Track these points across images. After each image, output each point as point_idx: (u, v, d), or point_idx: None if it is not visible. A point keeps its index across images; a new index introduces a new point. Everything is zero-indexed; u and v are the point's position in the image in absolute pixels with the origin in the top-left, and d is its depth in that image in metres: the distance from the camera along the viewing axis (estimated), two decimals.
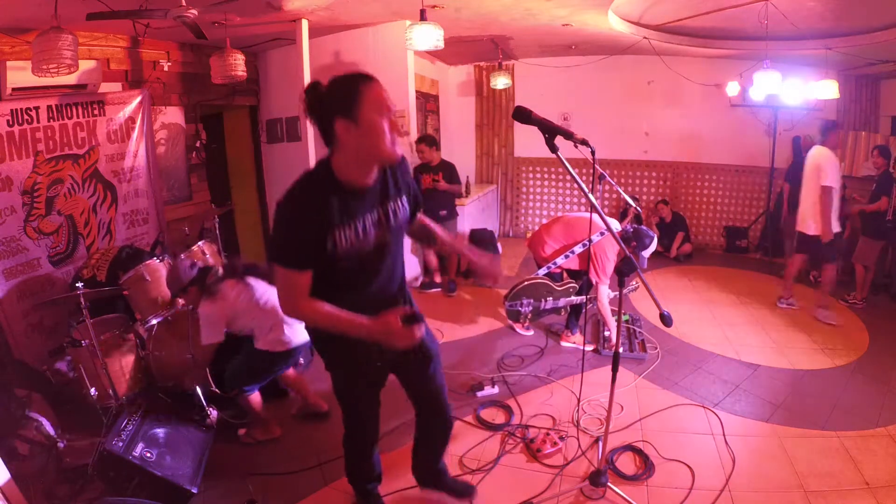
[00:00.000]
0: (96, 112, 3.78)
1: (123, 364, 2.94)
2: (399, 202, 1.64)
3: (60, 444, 2.45)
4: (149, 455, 2.20)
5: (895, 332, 3.90)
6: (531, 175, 7.29)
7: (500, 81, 6.10)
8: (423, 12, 3.52)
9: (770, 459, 2.43)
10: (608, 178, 3.57)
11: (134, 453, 2.16)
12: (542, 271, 3.65)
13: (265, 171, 5.80)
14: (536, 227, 6.53)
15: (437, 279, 5.07)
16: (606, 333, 3.67)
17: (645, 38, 4.93)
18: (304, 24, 4.12)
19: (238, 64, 3.88)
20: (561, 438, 2.60)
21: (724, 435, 2.61)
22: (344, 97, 1.40)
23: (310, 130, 4.43)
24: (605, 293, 3.47)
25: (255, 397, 2.61)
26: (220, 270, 2.63)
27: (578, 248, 3.52)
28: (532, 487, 2.28)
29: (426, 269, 5.12)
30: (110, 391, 2.77)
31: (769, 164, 6.24)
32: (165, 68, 4.41)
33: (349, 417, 1.92)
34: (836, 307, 4.30)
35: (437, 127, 6.67)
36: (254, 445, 2.67)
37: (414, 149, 4.79)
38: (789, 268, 4.50)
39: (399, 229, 1.67)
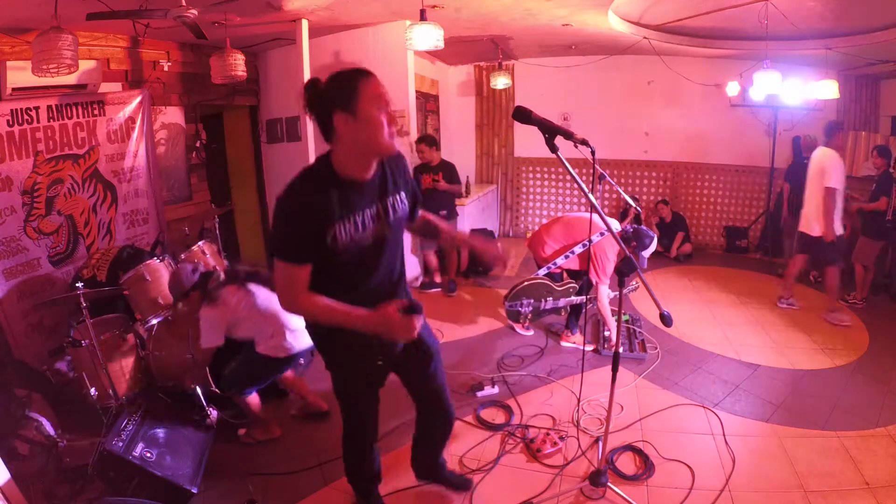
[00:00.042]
0: (96, 112, 3.78)
1: (123, 364, 2.94)
2: (398, 198, 1.66)
3: (61, 444, 2.45)
4: (149, 455, 2.20)
5: (895, 332, 3.90)
6: (531, 175, 7.29)
7: (500, 81, 6.10)
8: (423, 12, 3.52)
9: (770, 459, 2.43)
10: (608, 178, 3.57)
11: (134, 453, 2.16)
12: (543, 271, 3.65)
13: (265, 171, 5.80)
14: (536, 227, 6.53)
15: (437, 279, 5.07)
16: (606, 333, 3.67)
17: (645, 38, 4.93)
18: (304, 24, 4.12)
19: (238, 64, 3.88)
20: (561, 438, 2.60)
21: (724, 435, 2.61)
22: (342, 91, 1.43)
23: (310, 130, 4.43)
24: (605, 293, 3.47)
25: (254, 398, 2.61)
26: (222, 275, 2.63)
27: (578, 249, 3.52)
28: (532, 487, 2.28)
29: (426, 269, 5.12)
30: (110, 391, 2.77)
31: (769, 164, 6.24)
32: (165, 68, 4.41)
33: (349, 417, 1.92)
34: (836, 307, 4.30)
35: (437, 127, 6.67)
36: (254, 445, 2.66)
37: (414, 149, 4.79)
38: (790, 268, 4.50)
39: (398, 225, 1.68)
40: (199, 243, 3.54)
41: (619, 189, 4.01)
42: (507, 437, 2.65)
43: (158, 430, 2.36)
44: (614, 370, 2.06)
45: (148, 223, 4.28)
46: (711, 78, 6.14)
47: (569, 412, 2.88)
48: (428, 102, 6.30)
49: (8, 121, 3.19)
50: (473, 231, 5.66)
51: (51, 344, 3.40)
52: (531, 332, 3.95)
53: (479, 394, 3.07)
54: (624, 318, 3.92)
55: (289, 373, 2.80)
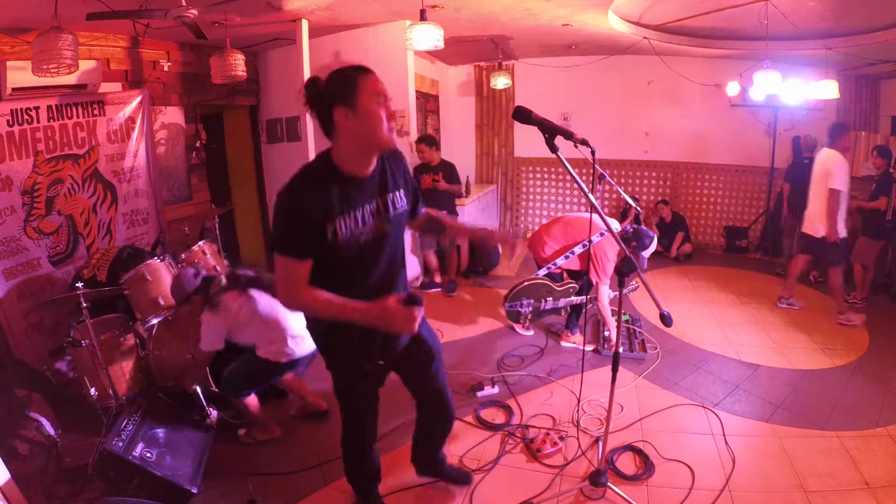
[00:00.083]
0: (96, 112, 3.78)
1: (123, 364, 2.94)
2: (397, 194, 1.67)
3: (60, 444, 2.45)
4: (149, 455, 2.20)
5: (895, 332, 3.90)
6: (531, 175, 7.29)
7: (500, 81, 6.10)
8: (423, 12, 3.52)
9: (770, 459, 2.43)
10: (608, 178, 3.57)
11: (134, 453, 2.15)
12: (543, 272, 3.65)
13: (265, 171, 5.80)
14: (536, 227, 6.53)
15: (437, 279, 5.08)
16: (606, 333, 3.67)
17: (645, 38, 4.93)
18: (304, 24, 4.12)
19: (238, 64, 3.88)
20: (561, 438, 2.60)
21: (724, 435, 2.61)
22: (342, 86, 1.45)
23: (310, 130, 4.43)
24: (606, 293, 3.46)
25: (252, 400, 2.60)
26: (224, 280, 2.63)
27: (578, 249, 3.52)
28: (532, 487, 2.28)
29: (426, 268, 5.12)
30: (110, 391, 2.77)
31: (769, 164, 6.24)
32: (165, 68, 4.41)
33: (349, 417, 1.92)
34: (844, 307, 4.29)
35: (437, 127, 6.67)
36: (254, 445, 2.66)
37: (414, 149, 4.79)
38: (792, 268, 4.49)
39: (398, 221, 1.69)
40: (200, 243, 3.54)
41: (619, 189, 4.02)
42: (507, 437, 2.65)
43: (158, 430, 2.36)
44: (614, 370, 2.06)
45: (148, 223, 4.28)
46: (711, 78, 6.14)
47: (569, 412, 2.88)
48: (428, 102, 6.29)
49: (8, 121, 3.19)
50: None
51: (51, 344, 3.40)
52: (531, 333, 3.95)
53: (479, 394, 3.07)
54: (624, 318, 3.92)
55: (288, 374, 2.79)
